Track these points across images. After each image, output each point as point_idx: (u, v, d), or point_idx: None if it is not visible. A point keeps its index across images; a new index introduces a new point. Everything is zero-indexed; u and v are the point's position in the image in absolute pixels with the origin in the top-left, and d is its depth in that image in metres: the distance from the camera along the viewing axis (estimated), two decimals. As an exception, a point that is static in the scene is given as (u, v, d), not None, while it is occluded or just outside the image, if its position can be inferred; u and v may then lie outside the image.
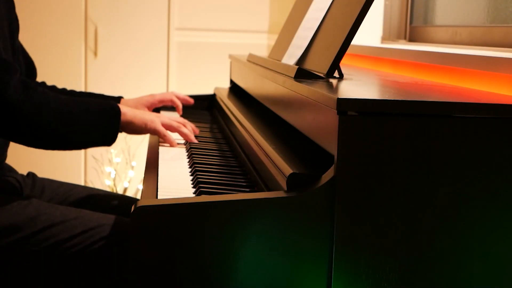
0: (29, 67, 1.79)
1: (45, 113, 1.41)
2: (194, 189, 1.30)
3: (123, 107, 1.57)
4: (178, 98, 2.01)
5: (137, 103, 1.94)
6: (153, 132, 1.63)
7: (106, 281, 1.40)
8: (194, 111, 2.24)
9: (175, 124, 1.67)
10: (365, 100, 1.01)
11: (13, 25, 1.60)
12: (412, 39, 2.38)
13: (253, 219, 1.01)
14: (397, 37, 2.45)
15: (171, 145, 1.66)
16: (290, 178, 1.05)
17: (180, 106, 2.01)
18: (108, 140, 1.53)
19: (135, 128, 1.59)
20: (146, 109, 1.95)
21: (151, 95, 1.97)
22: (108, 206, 1.75)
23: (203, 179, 1.34)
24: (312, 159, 1.16)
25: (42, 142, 1.47)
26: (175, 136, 1.71)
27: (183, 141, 1.72)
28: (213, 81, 3.11)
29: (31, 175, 1.74)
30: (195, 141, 1.69)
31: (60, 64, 3.46)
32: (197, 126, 1.95)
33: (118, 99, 1.93)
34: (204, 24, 3.62)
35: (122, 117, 1.55)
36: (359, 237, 1.01)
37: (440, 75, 1.61)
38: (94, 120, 1.49)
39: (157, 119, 1.63)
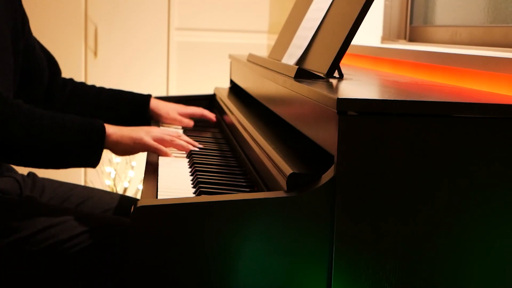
0: (51, 64, 1.81)
1: (10, 128, 1.37)
2: (194, 189, 1.30)
3: (110, 128, 1.49)
4: (206, 115, 2.00)
5: (168, 107, 1.94)
6: (144, 149, 1.53)
7: (106, 281, 1.40)
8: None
9: (167, 138, 1.56)
10: (365, 100, 1.01)
11: (18, 25, 1.59)
12: (412, 39, 2.38)
13: (253, 219, 1.01)
14: (397, 37, 2.45)
15: (166, 156, 1.56)
16: (290, 178, 1.05)
17: (213, 117, 2.00)
18: (90, 161, 1.48)
19: (123, 148, 1.51)
20: (177, 115, 1.94)
21: (184, 106, 1.98)
22: (108, 206, 1.75)
23: (203, 179, 1.34)
24: (312, 159, 1.16)
25: (9, 158, 1.44)
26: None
27: (184, 153, 1.63)
28: (213, 81, 3.10)
29: (31, 175, 1.74)
30: (195, 148, 1.61)
31: (60, 64, 3.42)
32: (197, 126, 1.96)
33: (148, 97, 1.94)
34: (204, 24, 3.62)
35: (108, 138, 1.48)
36: (359, 237, 1.01)
37: (440, 75, 1.61)
38: (72, 139, 1.44)
39: (147, 135, 1.53)
